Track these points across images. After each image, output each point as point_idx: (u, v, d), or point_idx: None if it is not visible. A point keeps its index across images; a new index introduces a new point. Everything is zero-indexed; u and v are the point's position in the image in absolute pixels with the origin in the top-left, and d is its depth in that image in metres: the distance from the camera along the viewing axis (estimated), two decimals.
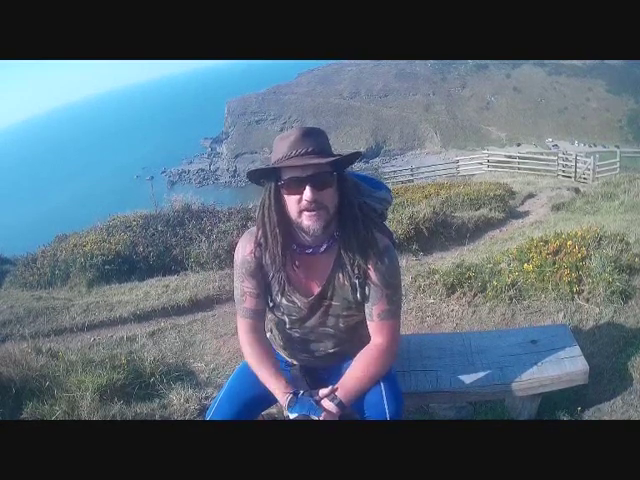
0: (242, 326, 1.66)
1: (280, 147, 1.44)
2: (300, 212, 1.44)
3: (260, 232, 1.52)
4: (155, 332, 3.99)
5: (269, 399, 1.81)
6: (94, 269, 5.89)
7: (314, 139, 1.44)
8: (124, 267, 6.08)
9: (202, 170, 57.53)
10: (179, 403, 2.50)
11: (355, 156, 1.51)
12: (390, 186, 1.87)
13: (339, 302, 1.59)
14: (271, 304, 1.64)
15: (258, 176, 1.51)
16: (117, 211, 8.72)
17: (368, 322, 1.61)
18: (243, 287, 1.61)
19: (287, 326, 1.68)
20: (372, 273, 1.54)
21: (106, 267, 5.93)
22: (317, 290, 1.58)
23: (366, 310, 1.59)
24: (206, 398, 2.58)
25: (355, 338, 1.68)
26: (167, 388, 2.67)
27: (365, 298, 1.57)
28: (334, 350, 1.70)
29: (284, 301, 1.60)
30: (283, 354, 1.80)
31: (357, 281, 1.54)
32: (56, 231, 8.43)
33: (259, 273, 1.59)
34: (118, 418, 2.32)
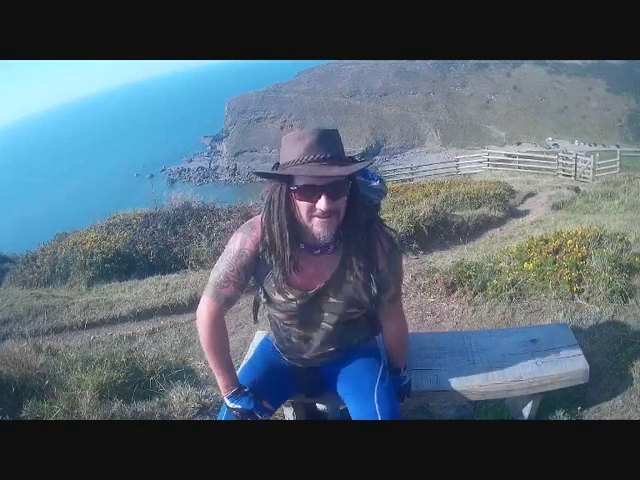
0: (209, 307, 1.58)
1: (295, 148, 1.37)
2: (311, 217, 1.40)
3: (266, 232, 1.47)
4: (155, 330, 4.00)
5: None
6: (94, 267, 5.90)
7: (332, 144, 1.38)
8: (124, 265, 6.09)
9: (202, 168, 57.27)
10: (179, 401, 2.50)
11: (369, 164, 1.47)
12: (390, 184, 1.88)
13: (342, 300, 1.57)
14: (265, 299, 1.60)
15: (270, 176, 1.46)
16: (117, 209, 8.73)
17: (378, 307, 1.66)
18: (229, 275, 1.54)
19: (285, 323, 1.66)
20: (383, 266, 1.57)
21: (106, 265, 5.94)
22: (318, 286, 1.55)
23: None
24: (206, 396, 2.57)
25: (353, 333, 1.71)
26: (167, 386, 2.68)
27: (380, 290, 1.60)
28: (334, 348, 1.69)
29: (281, 298, 1.56)
30: (286, 359, 1.79)
31: (372, 276, 1.55)
32: (56, 229, 8.43)
33: (252, 267, 1.55)
34: (118, 417, 2.32)
